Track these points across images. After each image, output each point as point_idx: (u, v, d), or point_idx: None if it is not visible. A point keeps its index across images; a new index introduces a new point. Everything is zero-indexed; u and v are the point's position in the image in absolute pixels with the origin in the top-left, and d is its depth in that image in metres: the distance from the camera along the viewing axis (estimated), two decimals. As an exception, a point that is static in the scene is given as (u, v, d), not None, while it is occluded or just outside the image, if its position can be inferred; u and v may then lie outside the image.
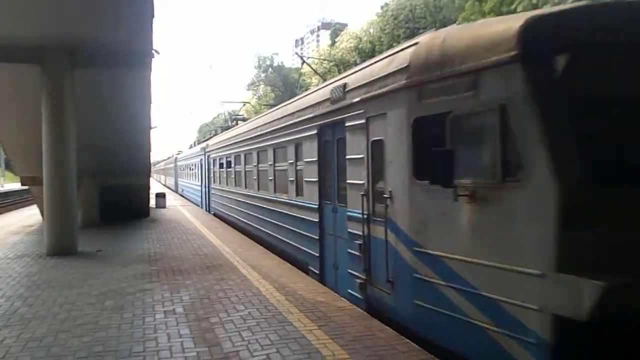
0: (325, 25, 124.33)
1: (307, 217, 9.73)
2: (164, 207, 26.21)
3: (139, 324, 6.53)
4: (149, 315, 6.87)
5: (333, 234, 8.62)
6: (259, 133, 13.74)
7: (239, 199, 16.76)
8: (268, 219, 12.93)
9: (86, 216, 17.46)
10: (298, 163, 10.35)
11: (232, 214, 18.25)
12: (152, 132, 27.48)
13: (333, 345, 5.55)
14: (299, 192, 10.35)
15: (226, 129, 25.21)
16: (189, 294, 8.02)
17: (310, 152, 9.51)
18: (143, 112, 16.62)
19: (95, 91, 14.17)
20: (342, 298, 7.66)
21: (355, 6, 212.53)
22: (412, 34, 36.47)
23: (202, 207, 26.78)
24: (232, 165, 17.96)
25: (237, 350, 5.50)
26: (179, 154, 49.35)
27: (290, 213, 10.90)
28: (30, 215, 22.77)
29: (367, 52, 54.28)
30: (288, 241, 11.15)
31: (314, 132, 9.22)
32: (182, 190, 39.38)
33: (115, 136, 16.46)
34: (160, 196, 26.99)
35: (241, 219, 16.46)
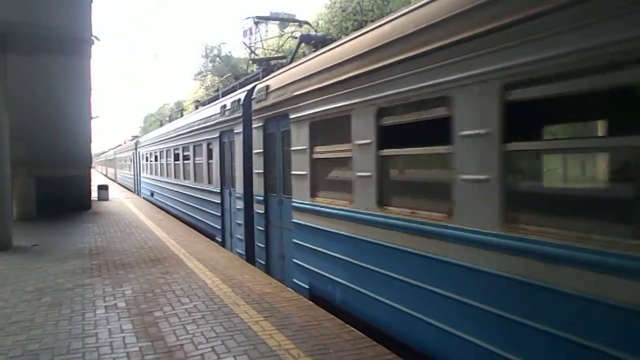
0: (273, 16, 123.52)
1: None
2: (107, 199, 25.39)
3: (78, 320, 6.30)
4: (89, 311, 6.65)
5: None
6: None
7: None
8: None
9: (22, 209, 16.66)
10: None
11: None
12: (94, 122, 26.50)
13: (279, 336, 5.57)
14: None
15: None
16: (132, 288, 7.81)
17: None
18: (82, 100, 16.03)
19: (30, 78, 13.51)
20: (288, 288, 7.67)
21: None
22: (360, 26, 36.83)
23: (228, 244, 11.73)
24: None
25: (181, 343, 5.42)
26: (134, 138, 36.89)
27: None
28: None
29: (315, 43, 54.29)
30: None
31: None
32: (153, 194, 24.10)
33: (53, 126, 15.80)
34: (103, 188, 26.12)
35: None
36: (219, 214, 12.04)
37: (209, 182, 12.93)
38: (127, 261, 9.88)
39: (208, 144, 12.88)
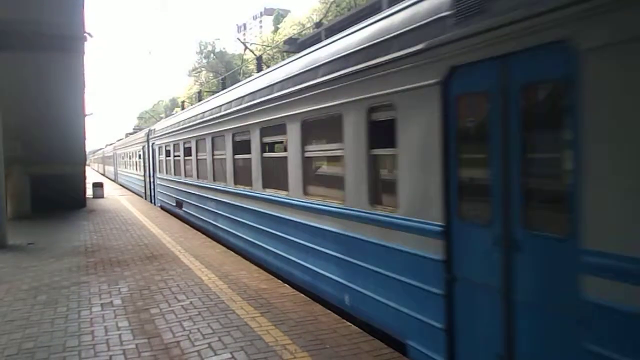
0: (268, 11, 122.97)
1: None
2: (102, 197, 25.30)
3: (74, 317, 6.29)
4: (85, 309, 6.63)
5: None
6: None
7: None
8: None
9: (16, 207, 16.56)
10: None
11: None
12: (88, 119, 26.34)
13: (276, 332, 5.57)
14: None
15: None
16: (128, 285, 7.80)
17: None
18: (76, 98, 15.94)
19: (23, 75, 13.41)
20: (285, 284, 7.67)
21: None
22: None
23: None
24: None
25: (178, 340, 5.42)
26: (135, 131, 31.17)
27: None
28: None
29: (310, 38, 54.18)
30: None
31: None
32: (180, 205, 16.55)
33: (47, 123, 15.72)
34: (98, 185, 26.05)
35: None
36: (440, 291, 4.56)
37: (358, 201, 5.90)
38: (122, 258, 9.86)
39: (369, 111, 5.61)
